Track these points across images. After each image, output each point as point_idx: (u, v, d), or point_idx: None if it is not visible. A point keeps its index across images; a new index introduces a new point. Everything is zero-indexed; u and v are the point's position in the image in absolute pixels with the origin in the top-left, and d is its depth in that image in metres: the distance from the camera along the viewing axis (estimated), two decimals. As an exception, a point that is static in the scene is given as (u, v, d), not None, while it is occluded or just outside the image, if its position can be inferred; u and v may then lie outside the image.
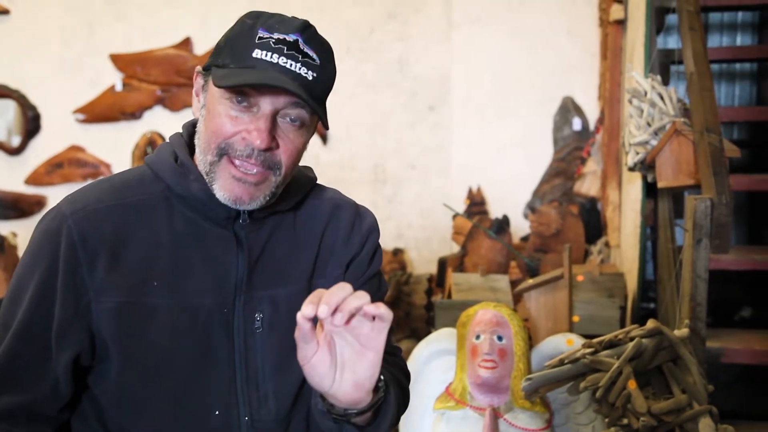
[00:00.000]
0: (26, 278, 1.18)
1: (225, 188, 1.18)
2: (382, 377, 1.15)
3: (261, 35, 1.16)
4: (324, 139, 5.35)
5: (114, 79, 5.57)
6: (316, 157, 5.30)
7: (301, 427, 1.30)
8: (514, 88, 5.20)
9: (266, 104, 1.17)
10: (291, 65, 1.16)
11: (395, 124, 5.37)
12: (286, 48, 1.16)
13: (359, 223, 1.39)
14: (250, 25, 1.19)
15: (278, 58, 1.15)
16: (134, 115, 5.51)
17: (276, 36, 1.16)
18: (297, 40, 1.18)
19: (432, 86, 5.33)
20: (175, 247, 1.21)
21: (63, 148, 5.60)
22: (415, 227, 5.43)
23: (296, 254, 1.28)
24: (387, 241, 5.42)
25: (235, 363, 1.22)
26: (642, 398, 1.85)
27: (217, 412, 1.22)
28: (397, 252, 5.28)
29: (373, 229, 1.41)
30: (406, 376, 1.42)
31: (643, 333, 1.93)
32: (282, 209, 1.29)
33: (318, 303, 0.99)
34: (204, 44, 5.47)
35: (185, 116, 5.44)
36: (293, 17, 1.23)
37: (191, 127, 1.30)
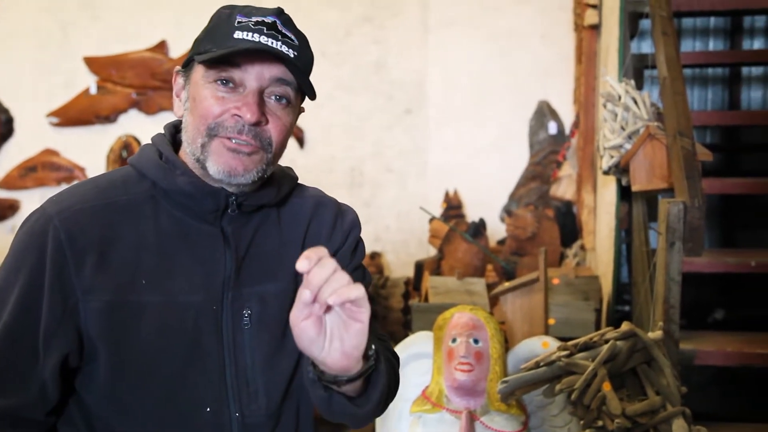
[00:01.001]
0: (10, 280, 1.17)
1: (219, 161, 1.19)
2: (372, 346, 1.17)
3: (239, 20, 1.20)
4: (301, 142, 5.34)
5: (88, 82, 5.52)
6: (293, 161, 5.29)
7: (292, 422, 1.31)
8: (490, 92, 5.22)
9: (252, 82, 1.19)
10: (272, 43, 1.19)
11: (372, 127, 5.37)
12: (265, 28, 1.19)
13: (341, 219, 1.40)
14: (227, 14, 1.22)
15: (259, 37, 1.18)
16: (109, 118, 5.47)
17: (254, 19, 1.20)
18: (275, 21, 1.21)
19: (408, 89, 5.34)
20: (163, 246, 1.21)
21: (37, 152, 5.55)
22: (393, 230, 5.43)
23: (282, 251, 1.29)
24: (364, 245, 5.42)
25: (225, 360, 1.23)
26: (616, 400, 1.86)
27: (208, 409, 1.22)
28: (375, 255, 5.28)
29: (355, 225, 1.43)
30: (396, 358, 1.43)
31: (617, 335, 1.94)
32: (268, 203, 1.30)
33: (315, 261, 1.02)
34: (179, 47, 5.44)
35: (161, 119, 5.40)
36: (267, 7, 1.25)
37: (173, 128, 1.32)
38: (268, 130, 1.22)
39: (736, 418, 2.51)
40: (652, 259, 2.33)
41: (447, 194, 5.13)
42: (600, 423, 1.89)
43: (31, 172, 5.50)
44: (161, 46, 5.44)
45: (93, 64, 5.49)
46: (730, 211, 4.05)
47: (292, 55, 1.21)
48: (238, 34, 1.18)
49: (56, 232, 1.16)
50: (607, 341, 1.94)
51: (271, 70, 1.20)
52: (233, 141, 1.19)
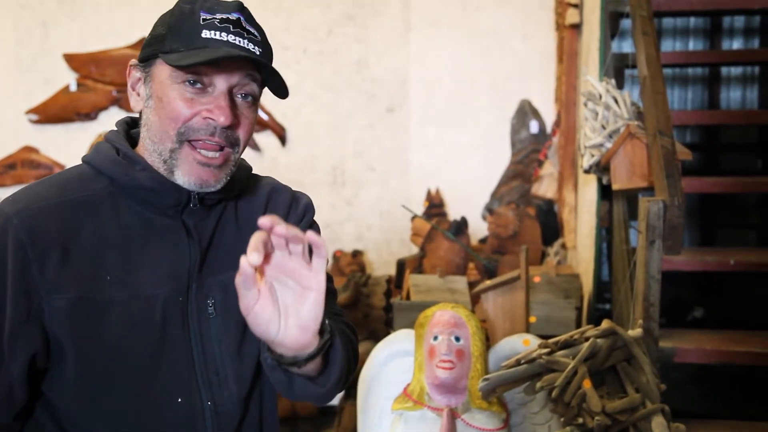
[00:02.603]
0: None
1: (190, 173, 1.20)
2: (326, 321, 1.16)
3: (204, 17, 1.18)
4: (282, 141, 5.33)
5: (68, 79, 5.48)
6: (275, 159, 5.28)
7: (257, 406, 1.33)
8: (471, 91, 5.24)
9: (221, 83, 1.20)
10: (239, 42, 1.19)
11: (354, 126, 5.37)
12: (231, 26, 1.19)
13: (295, 204, 1.43)
14: (189, 9, 1.20)
15: (227, 36, 1.18)
16: (89, 115, 5.43)
17: (219, 16, 1.19)
18: (239, 18, 1.20)
19: (390, 88, 5.34)
20: (125, 241, 1.21)
21: (16, 149, 5.50)
22: (375, 229, 5.43)
23: (241, 240, 1.26)
24: (346, 243, 5.42)
25: (193, 350, 1.23)
26: (596, 397, 1.87)
27: (179, 400, 1.23)
28: (357, 254, 5.27)
29: (309, 208, 1.45)
30: (353, 332, 1.43)
31: (597, 333, 1.95)
32: (228, 197, 1.32)
33: (262, 246, 1.01)
34: (161, 44, 5.41)
35: (141, 117, 5.37)
36: (227, 0, 1.24)
37: (126, 124, 1.33)
38: (238, 130, 1.23)
39: (714, 415, 2.53)
40: (632, 257, 2.35)
41: (429, 193, 5.14)
42: (580, 420, 1.90)
43: (10, 170, 5.45)
44: (141, 43, 5.40)
45: (73, 61, 5.44)
46: (709, 210, 4.08)
47: (258, 53, 1.21)
48: (205, 33, 1.17)
49: (16, 231, 1.14)
50: (587, 339, 1.95)
51: (240, 70, 1.20)
52: (202, 153, 1.20)
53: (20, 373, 1.16)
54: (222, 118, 1.18)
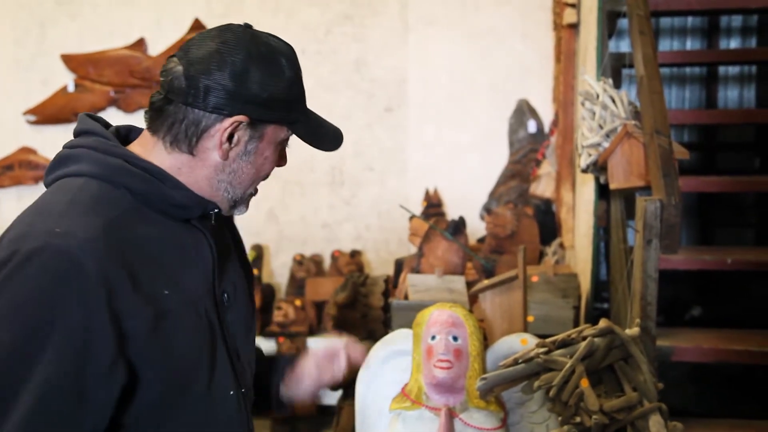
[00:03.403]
0: (35, 330, 1.09)
1: (246, 206, 1.38)
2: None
3: (302, 83, 1.35)
4: (281, 140, 5.34)
5: (66, 79, 5.48)
6: (273, 159, 5.28)
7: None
8: (470, 91, 5.24)
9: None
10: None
11: (353, 125, 5.37)
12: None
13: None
14: (290, 66, 1.32)
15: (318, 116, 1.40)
16: (87, 116, 5.42)
17: (303, 83, 1.36)
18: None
19: (389, 88, 5.35)
20: (162, 253, 1.24)
21: (13, 150, 5.50)
22: (373, 229, 5.44)
23: (227, 243, 1.43)
24: (345, 243, 5.42)
25: (227, 341, 1.32)
26: (594, 396, 1.87)
27: (231, 393, 1.31)
28: (355, 254, 5.28)
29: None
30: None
31: (595, 332, 1.95)
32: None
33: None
34: (158, 45, 5.41)
35: (139, 117, 5.31)
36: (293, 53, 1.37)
37: (105, 125, 1.34)
38: None
39: (711, 414, 2.54)
40: (629, 256, 2.35)
41: (427, 193, 5.14)
42: (578, 419, 1.90)
43: (7, 171, 5.45)
44: (140, 44, 5.41)
45: (71, 61, 5.44)
46: (707, 209, 4.09)
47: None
48: (314, 115, 1.38)
49: (89, 267, 1.11)
50: (585, 338, 1.95)
51: None
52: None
53: (106, 414, 1.16)
54: (284, 165, 1.40)
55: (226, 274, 1.37)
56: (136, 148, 1.31)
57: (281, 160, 1.38)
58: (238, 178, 1.32)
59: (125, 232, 1.20)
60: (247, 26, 1.32)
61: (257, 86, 1.26)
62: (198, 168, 1.29)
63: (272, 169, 1.36)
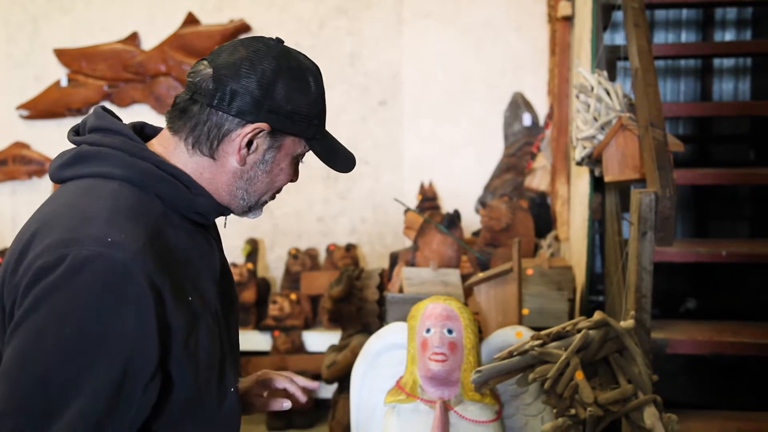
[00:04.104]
0: (89, 338, 1.10)
1: (261, 211, 1.41)
2: None
3: (325, 108, 1.38)
4: (275, 134, 5.32)
5: (59, 74, 5.46)
6: (268, 153, 5.27)
7: None
8: (464, 84, 5.23)
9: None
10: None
11: (347, 119, 5.36)
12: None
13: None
14: (316, 85, 1.34)
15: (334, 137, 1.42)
16: (81, 111, 5.41)
17: (326, 105, 1.38)
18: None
19: (383, 82, 5.33)
20: (187, 258, 1.26)
21: (7, 145, 5.48)
22: (369, 223, 5.43)
23: (221, 245, 1.46)
24: (340, 237, 5.42)
25: (230, 337, 1.37)
26: (589, 389, 1.87)
27: (232, 390, 1.32)
28: (350, 247, 5.27)
29: None
30: None
31: (590, 325, 1.95)
32: None
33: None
34: (151, 39, 5.39)
35: (133, 112, 5.35)
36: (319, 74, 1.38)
37: (140, 132, 1.37)
38: None
39: (706, 406, 2.54)
40: (624, 249, 2.35)
41: (422, 186, 5.14)
42: (573, 411, 1.90)
43: (1, 166, 5.43)
44: (133, 38, 5.39)
45: (64, 56, 5.42)
46: (702, 201, 4.09)
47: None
48: (325, 123, 1.39)
49: (139, 278, 1.13)
50: (579, 330, 1.95)
51: None
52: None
53: (143, 417, 1.18)
54: (296, 181, 1.42)
55: (225, 275, 1.41)
56: (157, 148, 1.32)
57: (295, 175, 1.41)
58: (254, 185, 1.35)
59: (162, 239, 1.21)
60: (280, 40, 1.34)
61: (282, 98, 1.28)
62: (218, 173, 1.31)
63: (287, 181, 1.39)
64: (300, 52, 1.36)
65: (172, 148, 1.31)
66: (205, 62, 1.30)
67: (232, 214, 1.43)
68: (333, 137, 1.42)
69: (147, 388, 1.15)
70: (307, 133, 1.34)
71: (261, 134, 1.30)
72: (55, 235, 1.15)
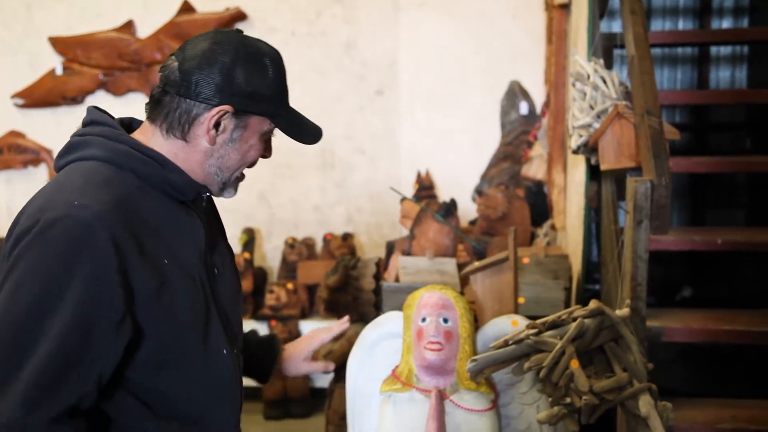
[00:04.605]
0: (55, 287, 1.25)
1: (235, 189, 1.55)
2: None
3: (287, 87, 1.52)
4: (271, 123, 5.30)
5: (54, 62, 5.44)
6: (264, 141, 5.25)
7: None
8: (461, 72, 5.22)
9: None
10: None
11: (343, 108, 5.35)
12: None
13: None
14: (276, 70, 1.48)
15: (300, 114, 1.55)
16: (76, 99, 5.39)
17: (287, 83, 1.52)
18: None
19: (380, 70, 5.32)
20: (164, 228, 1.42)
21: (2, 134, 5.46)
22: (365, 212, 5.43)
23: (212, 224, 1.62)
24: (337, 226, 5.41)
25: (217, 307, 1.50)
26: (584, 377, 1.87)
27: (224, 351, 1.49)
28: (347, 237, 5.27)
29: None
30: None
31: (585, 313, 1.95)
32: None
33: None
34: (146, 27, 5.36)
35: (129, 101, 5.32)
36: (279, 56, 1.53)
37: (119, 122, 1.52)
38: None
39: (701, 394, 2.55)
40: (620, 237, 2.34)
41: (419, 175, 5.13)
42: (568, 400, 1.90)
43: (-3, 155, 5.42)
44: (128, 26, 5.36)
45: (58, 44, 5.39)
46: (698, 189, 4.09)
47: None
48: (295, 112, 1.53)
49: (103, 234, 1.28)
50: (575, 319, 1.95)
51: None
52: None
53: (113, 365, 1.32)
54: (269, 156, 1.56)
55: (215, 251, 1.56)
56: (138, 135, 1.48)
57: (267, 151, 1.54)
58: (226, 162, 1.49)
59: (132, 207, 1.36)
60: (239, 31, 1.51)
61: (242, 81, 1.43)
62: (191, 153, 1.46)
63: (258, 157, 1.53)
64: (259, 40, 1.51)
65: (149, 135, 1.47)
66: (173, 57, 1.46)
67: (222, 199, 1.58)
68: (297, 113, 1.54)
69: (115, 333, 1.29)
70: (270, 111, 1.48)
71: (226, 116, 1.44)
72: (33, 206, 1.34)
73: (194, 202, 1.52)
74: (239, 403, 1.59)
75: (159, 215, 1.42)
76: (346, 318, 1.97)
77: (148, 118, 1.48)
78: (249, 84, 1.44)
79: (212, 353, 1.46)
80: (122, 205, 1.34)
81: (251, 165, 1.54)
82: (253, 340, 1.87)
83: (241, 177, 1.55)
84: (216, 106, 1.42)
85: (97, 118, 1.48)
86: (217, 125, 1.44)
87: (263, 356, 1.85)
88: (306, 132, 1.55)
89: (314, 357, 1.93)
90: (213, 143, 1.46)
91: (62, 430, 1.25)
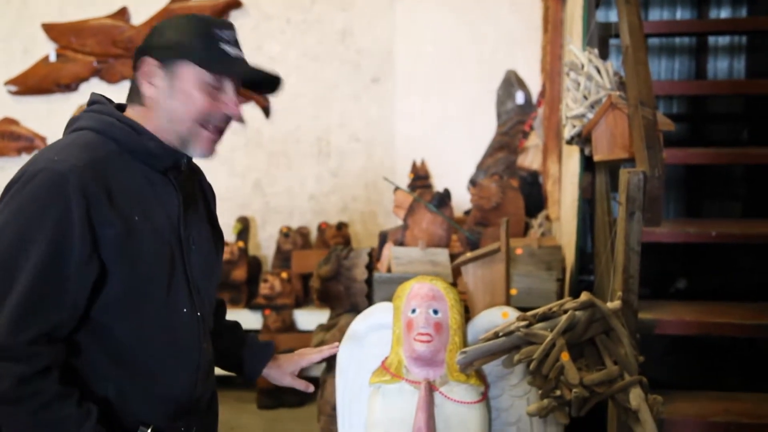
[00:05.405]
0: (33, 226, 1.44)
1: (203, 146, 1.63)
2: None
3: (220, 35, 1.59)
4: (267, 112, 5.27)
5: (48, 49, 5.40)
6: (259, 130, 5.22)
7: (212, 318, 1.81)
8: (457, 61, 5.19)
9: (230, 85, 1.62)
10: (242, 55, 1.63)
11: (339, 96, 5.32)
12: (237, 44, 1.63)
13: (207, 181, 1.89)
14: (204, 24, 1.60)
15: (234, 50, 1.61)
16: (69, 86, 5.36)
17: (227, 33, 1.61)
18: (237, 39, 1.64)
19: (375, 58, 5.28)
20: (140, 190, 1.58)
21: (-5, 121, 5.43)
22: (360, 201, 5.41)
23: (197, 202, 1.76)
24: (331, 215, 5.39)
25: (187, 273, 1.64)
26: (574, 370, 1.86)
27: (185, 310, 1.63)
28: (342, 226, 5.25)
29: (211, 185, 1.91)
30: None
31: (576, 305, 1.93)
32: (189, 167, 1.74)
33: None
34: (140, 14, 5.32)
35: (123, 88, 5.27)
36: (222, 19, 1.67)
37: (108, 101, 1.67)
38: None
39: (694, 387, 2.53)
40: (613, 229, 2.33)
41: (414, 164, 5.11)
42: (558, 392, 1.89)
43: (-10, 142, 5.38)
44: (122, 13, 5.32)
45: (52, 31, 5.36)
46: (695, 181, 4.06)
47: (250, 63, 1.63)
48: (228, 49, 1.60)
49: (74, 184, 1.45)
50: (566, 311, 1.93)
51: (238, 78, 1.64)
52: (214, 132, 1.62)
53: (83, 297, 1.48)
54: (237, 112, 1.62)
55: (192, 223, 1.69)
56: (125, 112, 1.66)
57: (223, 104, 1.61)
58: (172, 114, 1.59)
59: (108, 167, 1.53)
60: (194, 15, 1.64)
61: (165, 37, 1.60)
62: (149, 114, 1.61)
63: (205, 106, 1.59)
64: (206, 16, 1.66)
65: (128, 111, 1.65)
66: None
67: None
68: (245, 63, 1.62)
69: (83, 268, 1.46)
70: (192, 56, 1.57)
71: (154, 70, 1.59)
72: (24, 165, 1.53)
73: (174, 175, 1.65)
74: (200, 373, 1.68)
75: (135, 179, 1.57)
76: (336, 344, 2.11)
77: (127, 99, 1.67)
78: (171, 38, 1.59)
79: (172, 309, 1.60)
80: (98, 165, 1.51)
81: (206, 118, 1.60)
82: (251, 342, 2.01)
83: (211, 133, 1.62)
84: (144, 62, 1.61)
85: (93, 99, 1.66)
86: (151, 81, 1.59)
87: (257, 357, 1.99)
88: (236, 67, 1.60)
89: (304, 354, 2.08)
90: (156, 97, 1.59)
91: (39, 350, 1.44)
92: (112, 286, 1.52)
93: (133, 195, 1.56)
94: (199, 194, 1.80)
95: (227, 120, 1.64)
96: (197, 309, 1.67)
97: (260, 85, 1.71)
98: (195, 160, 1.80)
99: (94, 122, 1.60)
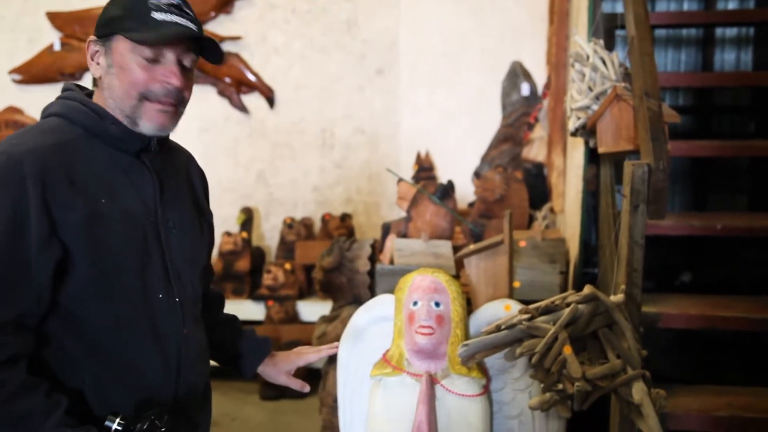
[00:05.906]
0: None
1: (152, 120, 1.57)
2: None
3: (152, 2, 1.53)
4: (271, 102, 5.25)
5: (52, 38, 5.39)
6: (262, 121, 5.21)
7: (200, 305, 1.77)
8: (462, 52, 5.16)
9: (170, 55, 1.56)
10: (182, 21, 1.55)
11: (343, 88, 5.30)
12: (175, 9, 1.55)
13: (197, 166, 1.86)
14: None
15: (176, 18, 1.54)
16: (74, 76, 5.35)
17: (164, 2, 1.54)
18: (180, 3, 1.57)
19: (380, 50, 5.26)
20: (107, 174, 1.55)
21: (0, 110, 5.43)
22: (364, 192, 5.39)
23: (180, 185, 1.73)
24: (335, 207, 5.38)
25: (165, 257, 1.61)
26: (577, 363, 1.84)
27: (160, 296, 1.59)
28: (345, 217, 5.24)
29: (199, 167, 1.87)
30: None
31: (579, 299, 1.92)
32: (168, 146, 1.73)
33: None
34: (146, 3, 5.30)
35: (127, 78, 5.27)
36: None
37: (78, 87, 1.66)
38: (184, 91, 1.59)
39: (697, 381, 2.52)
40: (617, 221, 2.31)
41: (418, 156, 5.09)
42: (560, 386, 1.88)
43: (-6, 131, 5.38)
44: (126, 2, 5.30)
45: (56, 19, 5.34)
46: (701, 173, 4.03)
47: (196, 29, 1.56)
48: (158, 15, 1.52)
49: (30, 167, 1.44)
50: (568, 305, 1.92)
51: (182, 44, 1.56)
52: (161, 104, 1.56)
53: (47, 279, 1.45)
54: (176, 82, 1.55)
55: (172, 206, 1.66)
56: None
57: (164, 75, 1.54)
58: (116, 91, 1.56)
59: (74, 151, 1.52)
60: None
61: (105, 14, 1.57)
62: (102, 95, 1.59)
63: (143, 80, 1.54)
64: None
65: (94, 96, 1.63)
66: None
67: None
68: (173, 25, 1.53)
69: (42, 251, 1.43)
70: (123, 29, 1.52)
71: (94, 47, 1.57)
72: None
73: (149, 158, 1.62)
74: (183, 361, 1.64)
75: (103, 163, 1.55)
76: (336, 344, 2.07)
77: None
78: (105, 15, 1.57)
79: (147, 295, 1.57)
80: (62, 148, 1.50)
81: (146, 91, 1.54)
82: (248, 336, 2.00)
83: (157, 105, 1.56)
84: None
85: (65, 87, 1.67)
86: (96, 60, 1.57)
87: (253, 353, 1.98)
88: (161, 32, 1.51)
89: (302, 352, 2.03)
90: (100, 75, 1.58)
91: (5, 340, 1.41)
92: (79, 272, 1.49)
93: (99, 179, 1.53)
94: (182, 177, 1.76)
95: (170, 92, 1.56)
96: (175, 295, 1.63)
97: (207, 52, 1.63)
98: (172, 143, 1.78)
99: (62, 108, 1.59)
